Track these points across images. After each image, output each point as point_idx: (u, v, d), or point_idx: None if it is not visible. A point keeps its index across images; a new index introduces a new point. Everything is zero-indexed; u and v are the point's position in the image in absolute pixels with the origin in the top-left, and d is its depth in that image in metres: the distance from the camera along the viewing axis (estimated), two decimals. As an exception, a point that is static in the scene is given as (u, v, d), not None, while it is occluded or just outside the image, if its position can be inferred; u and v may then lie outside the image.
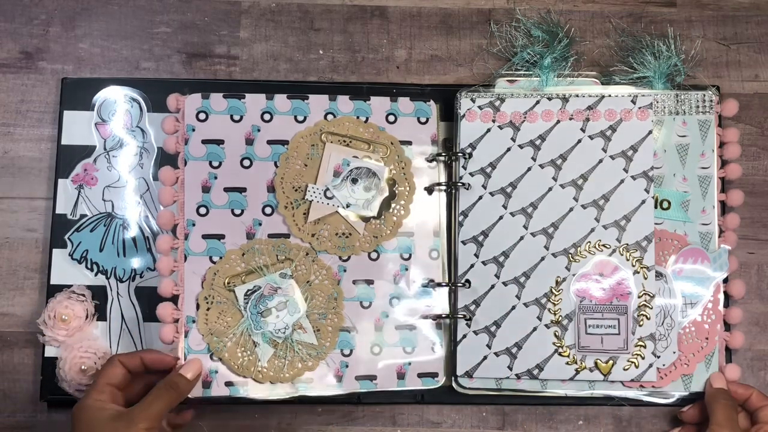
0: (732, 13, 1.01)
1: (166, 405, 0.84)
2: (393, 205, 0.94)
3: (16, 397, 0.94)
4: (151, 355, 0.88)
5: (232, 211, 0.93)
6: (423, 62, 1.00)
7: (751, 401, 0.90)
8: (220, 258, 0.92)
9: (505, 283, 0.92)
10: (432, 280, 0.94)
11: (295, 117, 0.95)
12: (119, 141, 0.96)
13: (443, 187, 0.95)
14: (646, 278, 0.92)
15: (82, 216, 0.95)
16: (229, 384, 0.91)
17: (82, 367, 0.90)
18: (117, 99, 0.97)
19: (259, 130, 0.94)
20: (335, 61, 1.00)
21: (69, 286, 0.93)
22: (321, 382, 0.92)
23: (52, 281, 0.94)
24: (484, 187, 0.93)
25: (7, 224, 0.96)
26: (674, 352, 0.92)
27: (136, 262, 0.95)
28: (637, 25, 1.00)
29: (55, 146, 0.96)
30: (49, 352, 0.92)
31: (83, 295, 0.93)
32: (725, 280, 0.94)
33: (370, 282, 0.94)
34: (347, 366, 0.92)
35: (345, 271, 0.93)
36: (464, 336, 0.92)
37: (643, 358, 0.91)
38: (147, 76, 0.99)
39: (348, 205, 0.93)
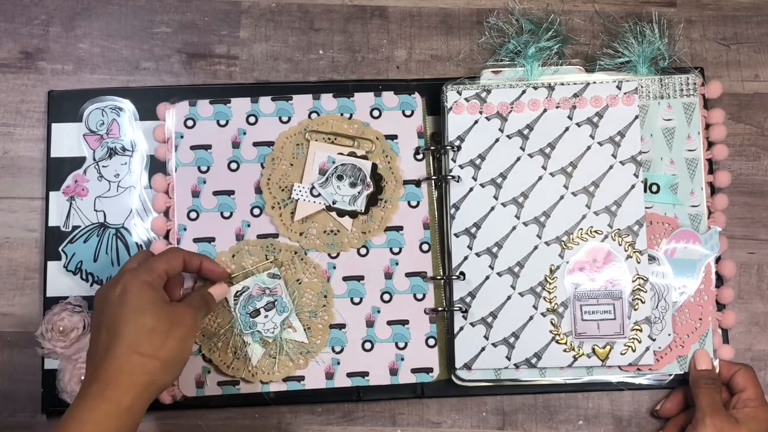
0: (732, 13, 1.01)
1: (204, 315, 0.86)
2: (380, 200, 0.94)
3: (16, 398, 0.93)
4: (210, 263, 0.89)
5: (222, 213, 0.94)
6: (423, 62, 1.00)
7: (735, 381, 0.91)
8: None
9: (499, 274, 0.93)
10: (425, 273, 0.94)
11: (280, 118, 0.96)
12: (109, 151, 0.96)
13: (433, 180, 0.95)
14: (639, 262, 0.92)
15: (75, 227, 0.95)
16: (221, 384, 0.92)
17: (83, 378, 0.90)
18: (105, 109, 0.97)
19: (245, 133, 0.95)
20: (335, 61, 1.00)
21: (65, 298, 0.93)
22: (312, 380, 0.92)
23: (48, 294, 0.94)
24: (474, 179, 0.94)
25: (7, 224, 0.96)
26: (669, 335, 0.92)
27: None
28: (637, 25, 0.99)
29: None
30: (49, 364, 0.92)
31: (80, 306, 0.92)
32: (716, 261, 0.94)
33: (360, 278, 0.94)
34: (339, 363, 0.92)
35: (334, 268, 0.94)
36: (461, 328, 0.92)
37: (639, 342, 0.91)
38: (146, 77, 0.99)
39: (334, 202, 0.94)
